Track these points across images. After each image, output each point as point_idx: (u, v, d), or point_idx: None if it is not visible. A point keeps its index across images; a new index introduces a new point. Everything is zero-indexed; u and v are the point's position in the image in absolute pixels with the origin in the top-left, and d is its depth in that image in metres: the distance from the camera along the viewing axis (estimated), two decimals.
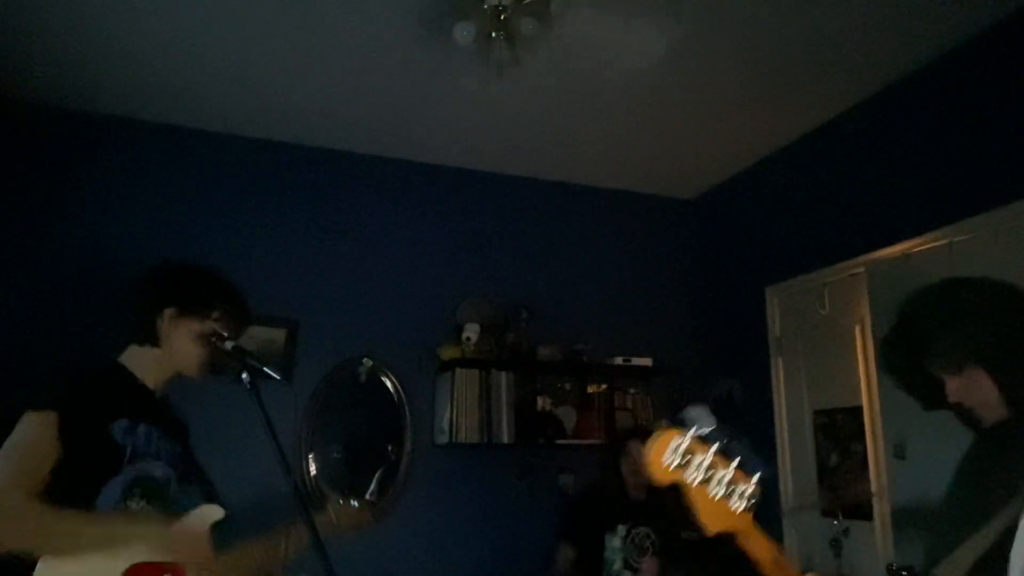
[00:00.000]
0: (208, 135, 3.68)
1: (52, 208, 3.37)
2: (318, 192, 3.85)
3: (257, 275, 3.61)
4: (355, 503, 2.09)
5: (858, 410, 3.25)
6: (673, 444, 1.00)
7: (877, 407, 3.15)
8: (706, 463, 1.00)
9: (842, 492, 3.22)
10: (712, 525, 1.01)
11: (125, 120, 3.55)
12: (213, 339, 1.83)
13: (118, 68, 3.15)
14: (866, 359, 3.24)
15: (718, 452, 1.01)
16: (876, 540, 3.08)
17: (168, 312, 1.81)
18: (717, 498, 1.01)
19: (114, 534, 1.54)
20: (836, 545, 2.79)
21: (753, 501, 1.01)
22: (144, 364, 1.80)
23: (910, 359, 1.49)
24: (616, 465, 3.34)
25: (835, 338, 3.42)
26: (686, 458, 1.00)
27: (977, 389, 1.38)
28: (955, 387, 1.41)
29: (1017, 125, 2.66)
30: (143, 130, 3.58)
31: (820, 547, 3.26)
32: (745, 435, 1.03)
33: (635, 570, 3.12)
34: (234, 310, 1.90)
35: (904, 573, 2.48)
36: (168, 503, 1.69)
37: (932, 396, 1.49)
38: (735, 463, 1.01)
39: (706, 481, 1.00)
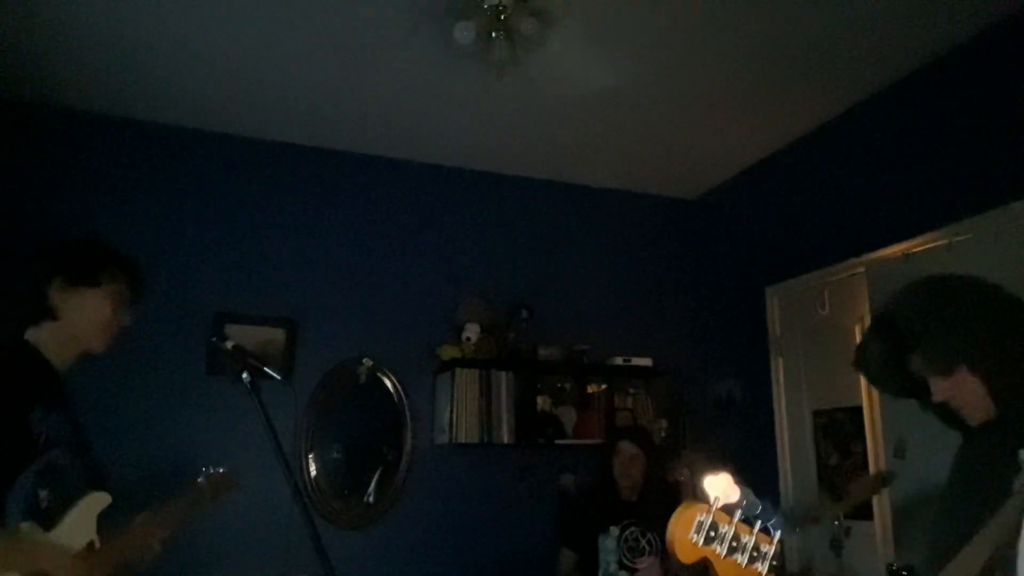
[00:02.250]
0: (207, 135, 3.68)
1: (47, 203, 3.37)
2: (318, 192, 3.85)
3: (257, 275, 3.63)
4: (221, 469, 2.11)
5: (858, 410, 3.25)
6: (697, 521, 1.00)
7: (877, 407, 3.15)
8: (731, 533, 1.00)
9: (842, 492, 3.22)
10: None
11: (124, 120, 3.55)
12: (113, 304, 1.81)
13: (117, 68, 3.14)
14: None
15: (741, 520, 1.01)
16: (876, 540, 3.08)
17: (57, 282, 1.76)
18: (743, 566, 1.01)
19: (25, 556, 1.53)
20: (836, 545, 2.79)
21: (776, 563, 1.02)
22: (47, 341, 1.75)
23: (890, 359, 1.47)
24: (609, 466, 3.34)
25: (835, 338, 3.42)
26: (711, 533, 1.00)
27: (965, 390, 1.37)
28: (942, 388, 1.39)
29: (1017, 125, 2.66)
30: (142, 130, 3.58)
31: (820, 547, 3.26)
32: (764, 497, 1.03)
33: (631, 571, 3.12)
34: (123, 273, 1.86)
35: (904, 573, 2.48)
36: (67, 489, 1.69)
37: (910, 396, 1.48)
38: (757, 527, 1.02)
39: (731, 552, 1.00)
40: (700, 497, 1.03)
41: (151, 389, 3.27)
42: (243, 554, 3.17)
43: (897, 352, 1.44)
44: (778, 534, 1.02)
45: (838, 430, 3.38)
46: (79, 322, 1.78)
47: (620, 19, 2.79)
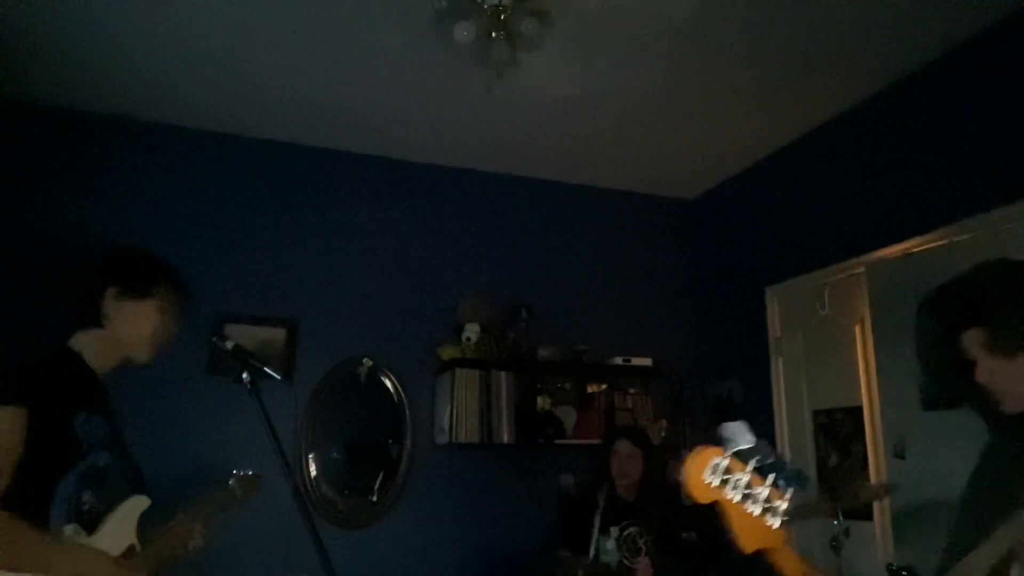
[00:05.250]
0: (208, 135, 3.68)
1: (49, 204, 3.38)
2: (318, 192, 3.85)
3: (257, 275, 3.63)
4: (250, 471, 2.15)
5: (858, 410, 3.25)
6: (712, 463, 0.99)
7: (877, 407, 3.15)
8: (744, 481, 1.00)
9: (842, 492, 3.22)
10: (749, 543, 1.01)
11: (124, 120, 3.55)
12: (161, 315, 1.88)
13: (118, 68, 3.15)
14: (866, 359, 3.24)
15: (755, 470, 1.01)
16: (876, 540, 3.08)
17: (110, 292, 1.82)
18: (754, 516, 1.00)
19: (65, 560, 1.57)
20: (836, 545, 2.79)
21: (787, 518, 1.01)
22: (92, 348, 1.81)
23: (943, 332, 1.42)
24: (605, 465, 3.34)
25: (835, 338, 3.42)
26: (725, 477, 1.00)
27: (1014, 376, 1.33)
28: (993, 368, 1.35)
29: (1017, 125, 2.66)
30: (142, 130, 3.58)
31: (820, 547, 3.26)
32: (778, 452, 1.03)
33: (630, 571, 3.12)
34: (173, 286, 1.92)
35: (904, 573, 2.48)
36: (110, 492, 1.72)
37: (947, 373, 1.44)
38: (770, 480, 1.01)
39: (744, 499, 1.00)
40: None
41: (150, 389, 3.27)
42: (243, 554, 3.16)
43: (954, 325, 1.40)
44: (791, 491, 1.02)
45: (838, 430, 3.38)
46: (125, 331, 1.83)
47: (620, 19, 2.79)
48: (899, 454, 2.96)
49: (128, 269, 1.88)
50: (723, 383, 4.10)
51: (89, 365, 1.79)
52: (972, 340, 1.38)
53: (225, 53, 3.04)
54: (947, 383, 1.47)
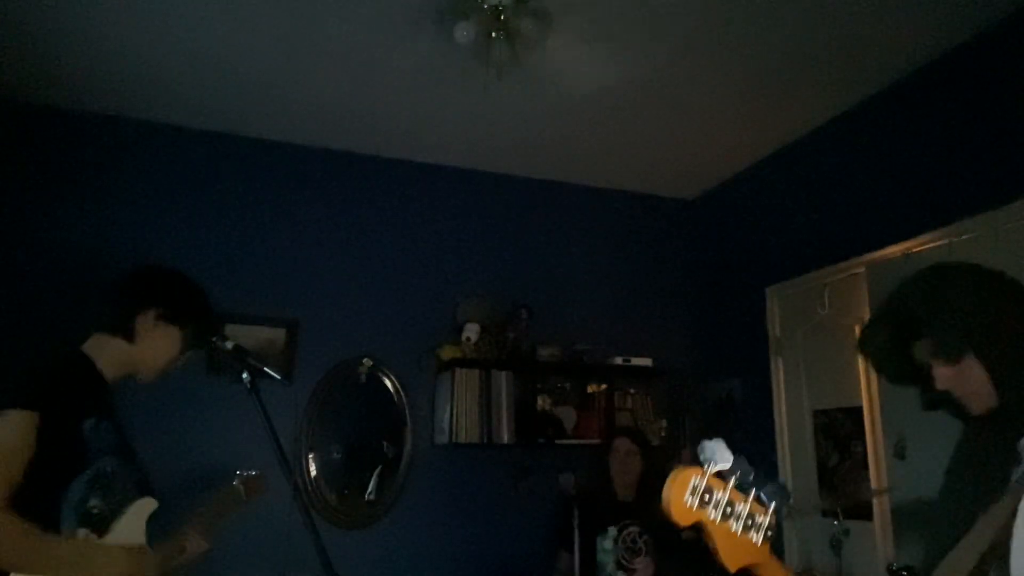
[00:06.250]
0: (208, 135, 3.68)
1: (51, 204, 3.38)
2: (318, 192, 3.85)
3: (257, 275, 3.63)
4: (253, 472, 2.17)
5: (858, 410, 3.25)
6: (692, 484, 0.98)
7: (877, 407, 3.15)
8: (725, 499, 0.99)
9: (842, 492, 3.22)
10: (733, 562, 1.00)
11: (124, 120, 3.55)
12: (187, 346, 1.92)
13: (118, 68, 3.15)
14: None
15: (735, 487, 1.00)
16: (876, 540, 3.09)
17: (152, 312, 1.85)
18: (737, 534, 1.00)
19: (81, 559, 1.59)
20: (836, 545, 2.79)
21: (771, 533, 1.01)
22: (108, 356, 1.82)
23: (894, 345, 1.44)
24: (605, 465, 3.35)
25: (835, 338, 3.42)
26: (706, 496, 0.99)
27: (969, 378, 1.35)
28: (947, 375, 1.37)
29: (1017, 125, 2.66)
30: (142, 129, 3.58)
31: (820, 547, 3.27)
32: (758, 467, 1.02)
33: (629, 571, 3.12)
34: (207, 324, 1.97)
35: (904, 573, 2.48)
36: (117, 496, 1.74)
37: (910, 382, 1.46)
38: (751, 495, 1.00)
39: (726, 517, 0.99)
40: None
41: (151, 389, 3.26)
42: (243, 554, 3.16)
43: (902, 338, 1.42)
44: (772, 504, 1.01)
45: (838, 430, 3.38)
46: (151, 352, 1.87)
47: (620, 18, 2.79)
48: (899, 454, 2.96)
49: (177, 296, 1.91)
50: (723, 383, 4.10)
51: (100, 371, 1.80)
52: (921, 351, 1.40)
53: (225, 53, 3.04)
54: (919, 391, 1.49)
